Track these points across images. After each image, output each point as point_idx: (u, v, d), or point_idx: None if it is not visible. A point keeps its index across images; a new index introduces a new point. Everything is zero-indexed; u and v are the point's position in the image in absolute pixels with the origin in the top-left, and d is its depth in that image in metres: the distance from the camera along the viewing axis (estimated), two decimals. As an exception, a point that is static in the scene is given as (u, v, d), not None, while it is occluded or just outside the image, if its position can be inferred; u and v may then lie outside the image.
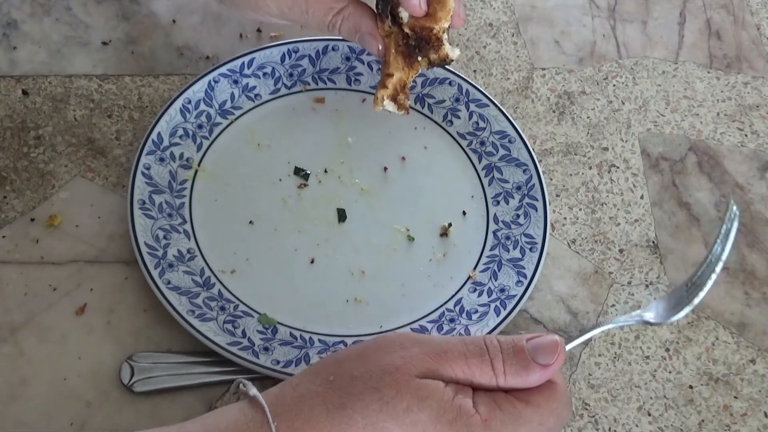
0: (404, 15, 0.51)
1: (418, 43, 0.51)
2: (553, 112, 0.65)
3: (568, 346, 0.42)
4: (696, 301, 0.44)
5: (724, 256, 0.43)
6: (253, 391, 0.38)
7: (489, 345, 0.40)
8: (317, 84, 0.62)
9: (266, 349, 0.50)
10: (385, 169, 0.59)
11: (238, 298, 0.52)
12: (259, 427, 0.36)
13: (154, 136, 0.56)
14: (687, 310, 0.44)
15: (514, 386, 0.39)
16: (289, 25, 0.60)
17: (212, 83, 0.59)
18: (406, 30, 0.51)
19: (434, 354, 0.39)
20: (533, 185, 0.58)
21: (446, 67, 0.57)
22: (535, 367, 0.39)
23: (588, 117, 0.65)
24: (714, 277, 0.44)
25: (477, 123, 0.61)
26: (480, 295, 0.54)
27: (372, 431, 0.36)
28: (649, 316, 0.45)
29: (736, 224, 0.44)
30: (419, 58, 0.52)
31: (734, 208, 0.44)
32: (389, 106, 0.53)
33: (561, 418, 0.39)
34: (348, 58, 0.62)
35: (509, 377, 0.39)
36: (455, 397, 0.37)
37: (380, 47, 0.52)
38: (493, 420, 0.37)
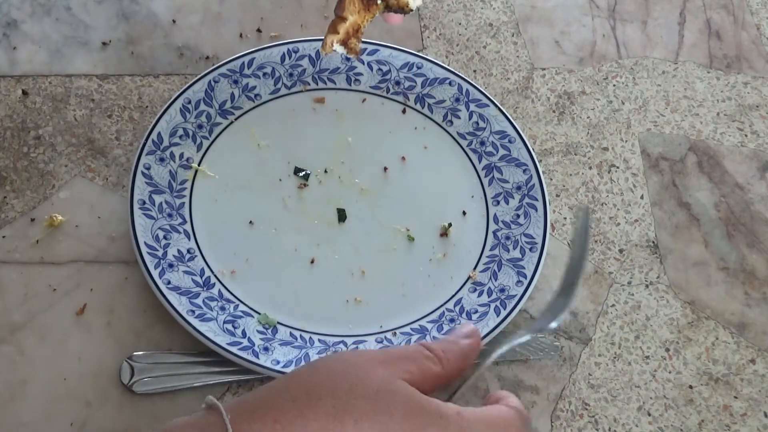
0: None
1: None
2: (553, 112, 0.65)
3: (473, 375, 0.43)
4: (571, 304, 0.46)
5: (586, 255, 0.46)
6: (213, 400, 0.36)
7: (422, 343, 0.42)
8: (317, 84, 0.62)
9: (266, 349, 0.50)
10: (385, 169, 0.59)
11: (238, 298, 0.52)
12: (213, 424, 0.34)
13: (154, 136, 0.56)
14: (564, 313, 0.46)
15: (452, 356, 0.41)
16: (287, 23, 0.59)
17: (212, 83, 0.59)
18: None
19: (385, 361, 0.39)
20: (533, 185, 0.58)
21: (443, 65, 0.57)
22: (460, 337, 0.42)
23: (588, 117, 0.65)
24: (581, 277, 0.46)
25: (477, 123, 0.61)
26: (480, 295, 0.54)
27: (343, 409, 0.35)
28: (536, 328, 0.46)
29: (586, 222, 0.47)
30: (378, 1, 0.50)
31: (581, 211, 0.47)
32: (339, 49, 0.51)
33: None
34: (348, 58, 0.62)
35: (445, 351, 0.41)
36: (421, 395, 0.38)
37: None
38: (465, 412, 0.38)
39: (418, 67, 0.62)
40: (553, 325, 0.45)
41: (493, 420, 0.39)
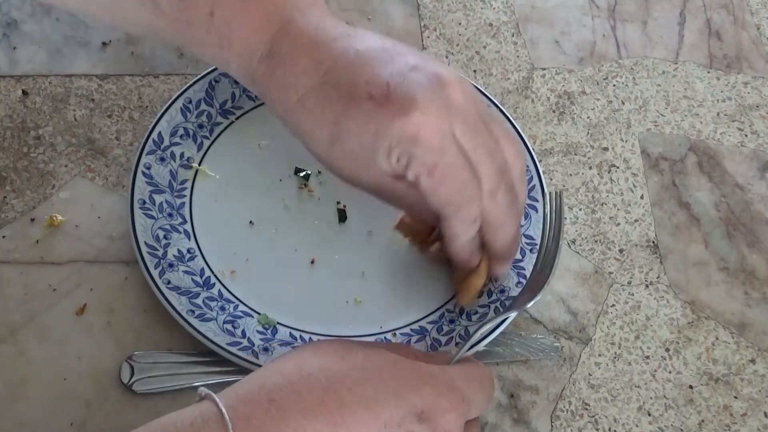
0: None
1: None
2: (553, 112, 0.65)
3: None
4: (550, 281, 0.47)
5: (561, 237, 0.48)
6: (206, 390, 0.37)
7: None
8: (317, 84, 0.62)
9: (266, 349, 0.50)
10: (385, 169, 0.59)
11: (238, 299, 0.52)
12: (210, 417, 0.35)
13: (154, 135, 0.56)
14: (543, 291, 0.47)
15: (431, 358, 0.44)
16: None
17: (213, 83, 0.59)
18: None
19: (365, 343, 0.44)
20: (533, 185, 0.58)
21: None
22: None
23: (588, 117, 0.65)
24: (557, 259, 0.48)
25: (477, 123, 0.61)
26: (480, 295, 0.54)
27: (335, 380, 0.36)
28: (514, 307, 0.49)
29: (555, 205, 0.49)
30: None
31: (552, 194, 0.49)
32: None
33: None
34: None
35: (425, 353, 0.45)
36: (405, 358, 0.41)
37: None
38: (448, 368, 0.41)
39: (418, 67, 0.62)
40: (530, 304, 0.46)
41: (473, 374, 0.41)
